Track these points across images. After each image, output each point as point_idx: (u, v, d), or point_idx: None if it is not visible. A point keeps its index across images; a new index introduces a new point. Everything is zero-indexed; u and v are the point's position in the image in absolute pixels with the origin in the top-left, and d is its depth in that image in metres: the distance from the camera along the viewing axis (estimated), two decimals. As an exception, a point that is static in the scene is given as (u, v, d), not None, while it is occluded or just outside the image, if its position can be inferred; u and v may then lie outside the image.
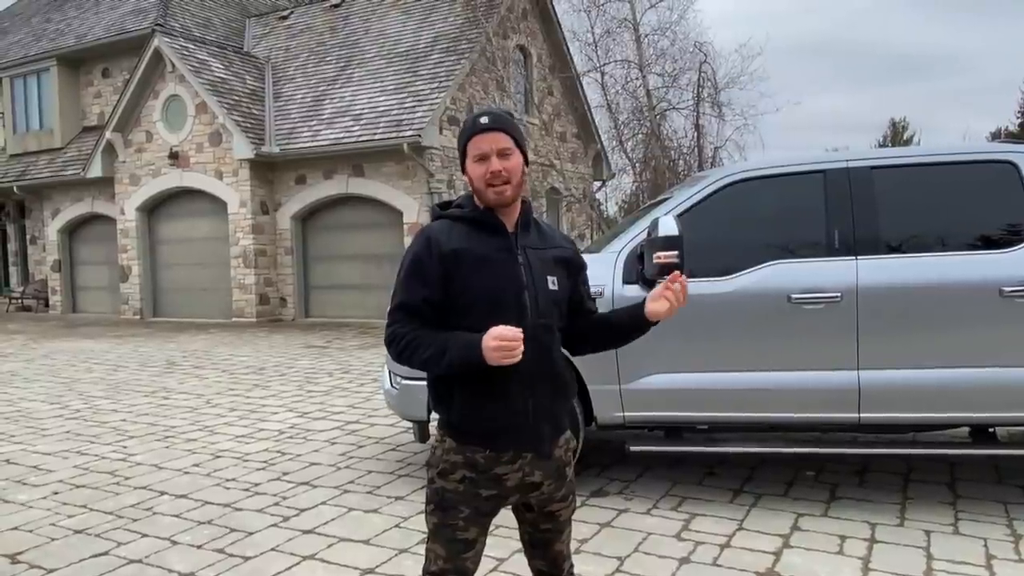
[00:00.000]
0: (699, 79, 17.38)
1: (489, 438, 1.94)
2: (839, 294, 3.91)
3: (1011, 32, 58.79)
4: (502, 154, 1.91)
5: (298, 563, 3.43)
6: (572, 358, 2.32)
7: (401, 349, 1.92)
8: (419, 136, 13.55)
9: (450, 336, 1.87)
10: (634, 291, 4.10)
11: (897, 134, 39.59)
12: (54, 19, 20.55)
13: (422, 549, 2.04)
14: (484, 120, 1.93)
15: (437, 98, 14.19)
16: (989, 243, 3.94)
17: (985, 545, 3.44)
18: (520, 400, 1.93)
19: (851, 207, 4.03)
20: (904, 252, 3.99)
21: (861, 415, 3.93)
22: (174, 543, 3.70)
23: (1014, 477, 4.38)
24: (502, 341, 1.78)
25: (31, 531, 3.91)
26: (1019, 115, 35.79)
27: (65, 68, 18.65)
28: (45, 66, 18.72)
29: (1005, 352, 3.80)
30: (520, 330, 1.81)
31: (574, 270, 2.09)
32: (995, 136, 31.63)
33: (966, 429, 4.27)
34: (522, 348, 1.80)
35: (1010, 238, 3.90)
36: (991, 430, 4.21)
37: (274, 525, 3.92)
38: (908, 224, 4.05)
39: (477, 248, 1.93)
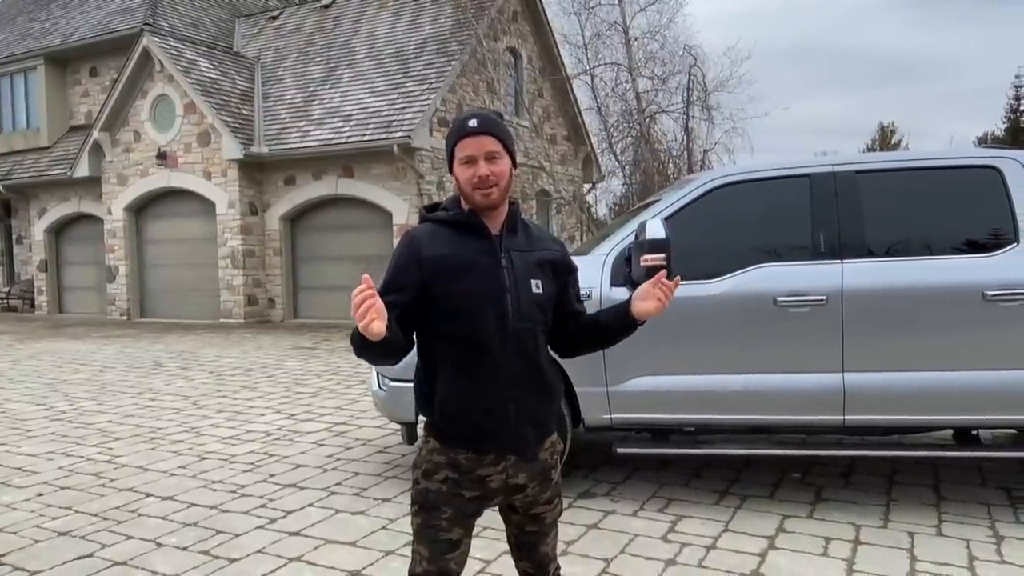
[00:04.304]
0: (688, 82, 17.47)
1: (471, 440, 1.95)
2: (824, 297, 3.94)
3: (999, 37, 59.39)
4: (489, 158, 1.90)
5: (284, 565, 3.42)
6: (559, 360, 2.32)
7: (351, 341, 1.86)
8: (409, 137, 13.55)
9: None
10: (622, 293, 4.11)
11: (885, 138, 39.87)
12: (40, 18, 20.41)
13: (409, 551, 2.04)
14: (472, 123, 1.91)
15: (427, 100, 14.18)
16: (973, 247, 3.98)
17: (968, 547, 3.47)
18: (501, 403, 1.93)
19: (837, 211, 4.06)
20: (889, 256, 4.02)
21: (846, 417, 3.96)
22: (159, 545, 3.69)
23: (997, 479, 4.42)
24: (352, 301, 1.67)
25: (15, 533, 3.88)
26: (1006, 120, 36.14)
27: (52, 67, 18.53)
28: (32, 65, 18.59)
29: (988, 355, 3.83)
30: (366, 288, 1.68)
31: (562, 272, 2.08)
32: (982, 141, 31.93)
33: (950, 431, 4.31)
34: (374, 312, 1.68)
35: (993, 242, 3.94)
36: (974, 432, 4.25)
37: (260, 527, 3.90)
38: (893, 228, 4.09)
39: (460, 252, 1.93)
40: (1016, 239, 3.89)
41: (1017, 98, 35.67)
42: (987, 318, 3.81)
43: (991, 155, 4.13)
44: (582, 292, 4.12)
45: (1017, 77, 35.45)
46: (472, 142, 1.90)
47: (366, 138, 14.03)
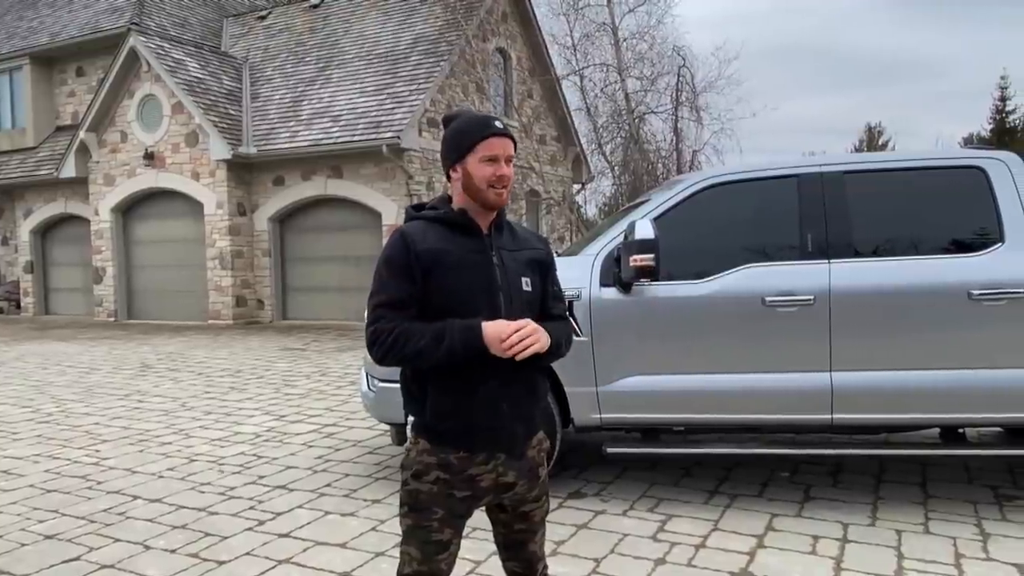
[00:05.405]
0: (677, 83, 17.52)
1: (463, 439, 1.95)
2: (812, 297, 3.96)
3: (986, 38, 59.90)
4: (508, 160, 1.97)
5: (273, 567, 3.41)
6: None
7: (389, 344, 1.89)
8: (398, 138, 13.52)
9: (446, 322, 1.87)
10: (611, 293, 4.13)
11: (873, 139, 40.14)
12: (27, 17, 20.24)
13: (399, 552, 2.04)
14: (498, 124, 1.98)
15: (416, 100, 14.16)
16: (959, 247, 4.01)
17: (954, 544, 3.50)
18: (494, 401, 1.94)
19: (824, 211, 4.08)
20: (876, 256, 4.05)
21: (834, 416, 3.98)
22: (147, 548, 3.66)
23: (983, 477, 4.46)
24: (525, 337, 1.84)
25: (1, 536, 3.85)
26: (992, 121, 36.45)
27: (38, 67, 18.38)
28: (18, 64, 18.43)
29: (974, 354, 3.86)
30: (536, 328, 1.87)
31: (545, 271, 2.10)
32: (968, 142, 32.17)
33: (937, 430, 4.34)
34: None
35: (979, 242, 3.97)
36: (961, 431, 4.28)
37: (249, 529, 3.89)
38: (880, 228, 4.12)
39: (452, 249, 1.94)
40: (1001, 239, 3.92)
41: (1003, 99, 36.02)
42: (973, 318, 3.84)
43: (977, 155, 4.16)
44: (571, 292, 4.14)
45: (1003, 78, 35.82)
46: (499, 142, 1.96)
47: (355, 138, 13.99)
